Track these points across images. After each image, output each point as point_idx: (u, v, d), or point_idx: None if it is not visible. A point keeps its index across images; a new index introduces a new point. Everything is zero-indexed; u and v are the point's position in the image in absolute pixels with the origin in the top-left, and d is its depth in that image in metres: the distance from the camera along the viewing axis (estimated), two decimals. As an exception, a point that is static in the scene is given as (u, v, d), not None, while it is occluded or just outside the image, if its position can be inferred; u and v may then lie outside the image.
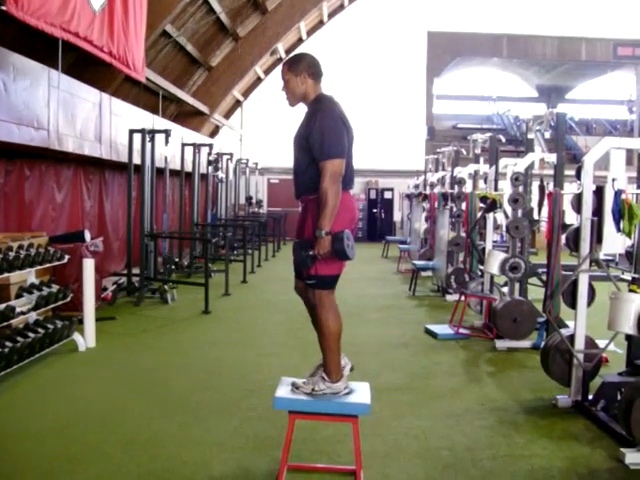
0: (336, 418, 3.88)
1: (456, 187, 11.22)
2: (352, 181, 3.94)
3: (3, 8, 6.34)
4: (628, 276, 5.48)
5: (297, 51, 22.71)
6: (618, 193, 5.04)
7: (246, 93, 23.90)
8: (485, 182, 9.95)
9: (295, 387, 3.83)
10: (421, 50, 24.60)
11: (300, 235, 3.91)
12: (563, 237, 5.69)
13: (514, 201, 7.64)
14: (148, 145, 10.50)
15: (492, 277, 8.36)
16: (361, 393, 3.84)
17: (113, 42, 8.72)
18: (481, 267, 8.99)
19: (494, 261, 7.64)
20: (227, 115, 23.46)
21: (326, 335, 3.79)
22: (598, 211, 5.26)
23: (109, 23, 8.59)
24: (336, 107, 3.82)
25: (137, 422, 4.90)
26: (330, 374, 3.79)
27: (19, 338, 6.00)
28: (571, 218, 5.91)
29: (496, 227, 9.48)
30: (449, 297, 10.60)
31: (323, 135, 3.67)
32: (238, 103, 23.99)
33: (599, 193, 5.29)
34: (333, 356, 3.81)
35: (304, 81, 3.85)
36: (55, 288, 6.91)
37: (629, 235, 5.03)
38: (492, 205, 8.10)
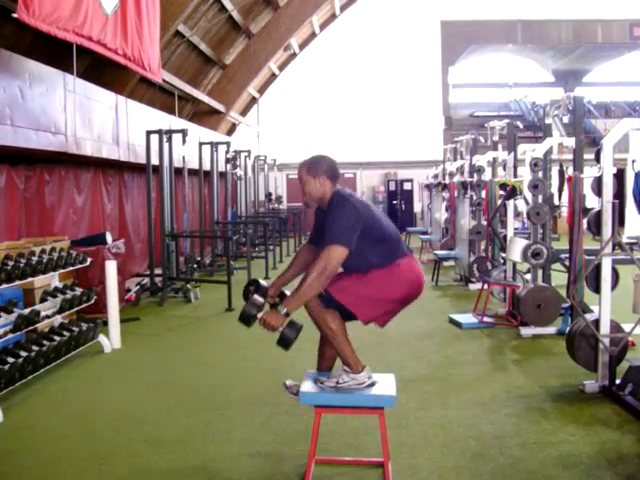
0: (362, 411, 3.88)
1: (475, 175, 11.14)
2: (403, 245, 3.95)
3: (16, 16, 6.38)
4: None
5: (311, 45, 22.72)
6: (639, 174, 4.99)
7: (261, 90, 23.91)
8: (504, 169, 9.89)
9: (320, 381, 3.84)
10: (435, 39, 24.48)
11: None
12: (585, 221, 5.64)
13: (534, 187, 7.58)
14: (165, 145, 10.54)
15: (514, 264, 8.31)
16: (386, 385, 3.83)
17: (127, 44, 8.75)
18: (503, 255, 8.94)
19: (516, 248, 7.60)
20: (243, 112, 23.48)
21: (330, 335, 3.80)
22: (619, 194, 5.21)
23: (122, 25, 8.61)
24: (351, 198, 3.84)
25: (165, 421, 4.94)
26: (350, 365, 3.80)
27: (45, 342, 6.07)
28: (592, 202, 5.87)
29: (517, 214, 9.42)
30: (472, 286, 10.55)
31: (334, 221, 3.71)
32: (254, 100, 24.00)
33: (620, 175, 5.23)
34: (345, 349, 3.82)
35: (323, 183, 3.94)
36: (79, 291, 6.96)
37: (652, 216, 4.98)
38: (512, 192, 8.05)
